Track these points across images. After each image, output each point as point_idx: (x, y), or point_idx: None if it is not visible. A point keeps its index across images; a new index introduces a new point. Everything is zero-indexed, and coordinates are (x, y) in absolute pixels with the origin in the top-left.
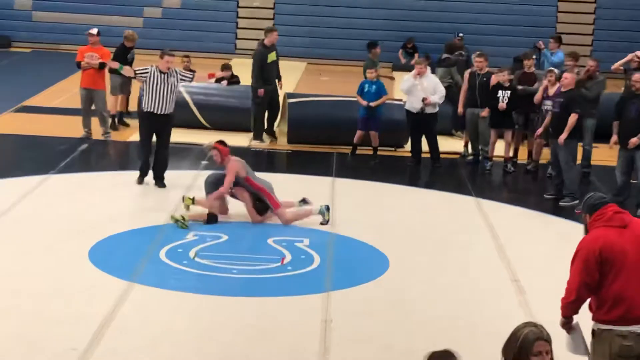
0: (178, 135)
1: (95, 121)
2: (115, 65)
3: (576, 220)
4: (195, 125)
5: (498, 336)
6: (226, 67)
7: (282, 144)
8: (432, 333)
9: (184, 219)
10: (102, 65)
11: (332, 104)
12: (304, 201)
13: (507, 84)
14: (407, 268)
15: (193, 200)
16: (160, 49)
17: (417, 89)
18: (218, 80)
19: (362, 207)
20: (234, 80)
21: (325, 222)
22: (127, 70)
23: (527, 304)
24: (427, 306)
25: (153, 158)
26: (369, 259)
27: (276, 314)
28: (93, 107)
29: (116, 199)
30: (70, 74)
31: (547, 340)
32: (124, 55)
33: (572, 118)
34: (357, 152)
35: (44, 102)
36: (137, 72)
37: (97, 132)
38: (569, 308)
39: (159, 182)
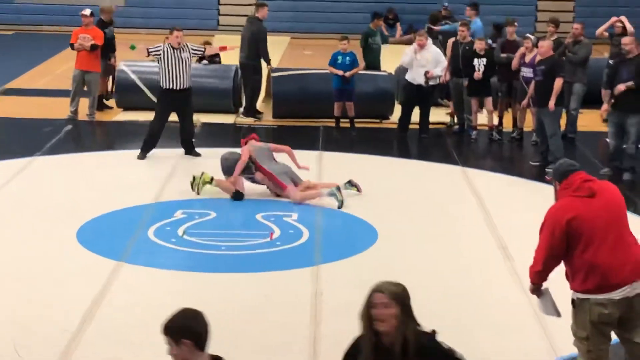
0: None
1: (82, 102)
2: (128, 45)
3: (547, 182)
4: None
5: (486, 303)
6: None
7: (268, 119)
8: (421, 302)
9: (202, 184)
10: (94, 47)
11: (316, 78)
12: (349, 183)
13: (482, 52)
14: (395, 239)
15: (212, 180)
16: (142, 27)
17: (418, 61)
18: (199, 60)
19: (349, 179)
20: (215, 59)
21: (340, 205)
22: (140, 49)
23: (515, 271)
24: (415, 276)
25: (179, 134)
26: (357, 232)
27: (266, 289)
28: (85, 88)
29: (103, 180)
30: (53, 55)
31: (388, 295)
32: (101, 30)
33: (558, 82)
34: (342, 124)
35: (28, 84)
36: (149, 50)
37: (82, 113)
38: (537, 276)
39: (194, 153)
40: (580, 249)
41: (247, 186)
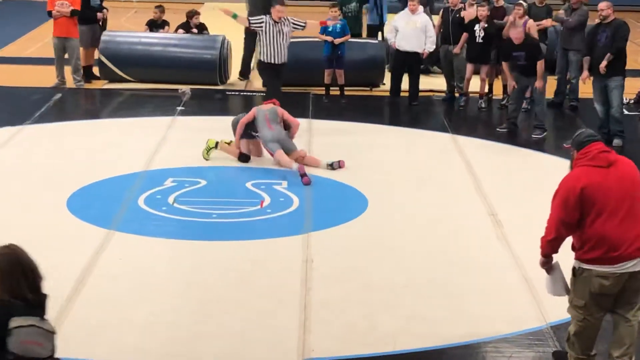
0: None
1: (68, 70)
2: (229, 12)
3: (549, 153)
4: (118, 79)
5: (477, 269)
6: (193, 13)
7: (258, 86)
8: (411, 269)
9: (208, 150)
10: (73, 13)
11: (305, 45)
12: (331, 166)
13: (483, 19)
14: (385, 206)
15: (216, 145)
16: None
17: (409, 27)
18: (186, 30)
19: (339, 147)
20: (201, 29)
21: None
22: (241, 20)
23: (504, 237)
24: (406, 243)
25: None
26: (347, 199)
27: (257, 257)
28: (66, 56)
29: (93, 148)
30: (41, 23)
31: None
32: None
33: (540, 65)
34: (332, 92)
35: (16, 52)
36: (251, 21)
37: (70, 80)
38: (548, 246)
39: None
40: (591, 219)
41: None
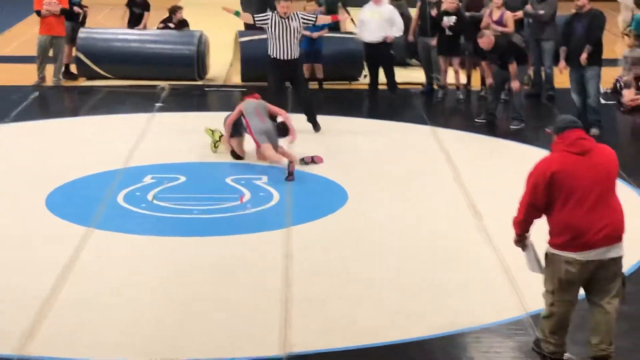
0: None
1: (49, 68)
2: (231, 10)
3: (528, 143)
4: (96, 76)
5: (457, 261)
6: (175, 9)
7: (237, 81)
8: (392, 261)
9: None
10: (63, 12)
11: None
12: (303, 160)
13: (452, 11)
14: (365, 200)
15: (221, 137)
16: None
17: (374, 18)
18: (165, 26)
19: (318, 141)
20: (184, 26)
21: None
22: (244, 17)
23: (484, 229)
24: (386, 236)
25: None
26: (327, 193)
27: (237, 252)
28: (50, 54)
29: (71, 146)
30: (19, 21)
31: None
32: None
33: (512, 68)
34: (311, 86)
35: None
36: (255, 18)
37: (50, 78)
38: (518, 226)
39: (315, 127)
40: (560, 204)
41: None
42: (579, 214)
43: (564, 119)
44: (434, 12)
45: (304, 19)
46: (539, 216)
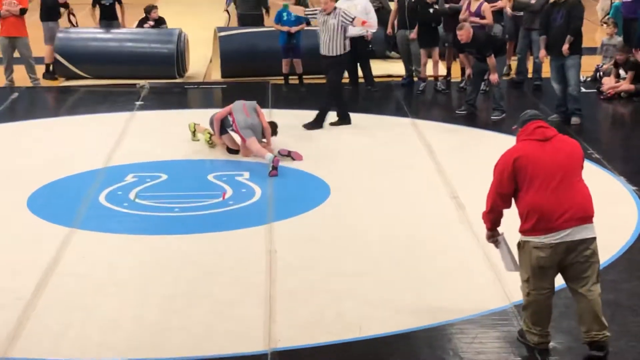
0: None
1: (20, 69)
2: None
3: (509, 134)
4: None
5: (440, 252)
6: (150, 8)
7: (217, 78)
8: (375, 254)
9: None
10: (23, 11)
11: (263, 35)
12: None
13: (429, 1)
14: (347, 193)
15: (211, 136)
16: None
17: (350, 12)
18: (140, 24)
19: (300, 136)
20: (162, 24)
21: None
22: (294, 9)
23: (467, 219)
24: (369, 229)
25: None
26: (309, 188)
27: (220, 249)
28: (16, 55)
29: (52, 146)
30: None
31: None
32: None
33: (491, 61)
34: (291, 81)
35: None
36: (305, 10)
37: (22, 80)
38: (487, 219)
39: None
40: (525, 189)
41: (196, 147)
42: (543, 196)
43: (526, 113)
44: (394, 7)
45: (344, 17)
46: (507, 205)
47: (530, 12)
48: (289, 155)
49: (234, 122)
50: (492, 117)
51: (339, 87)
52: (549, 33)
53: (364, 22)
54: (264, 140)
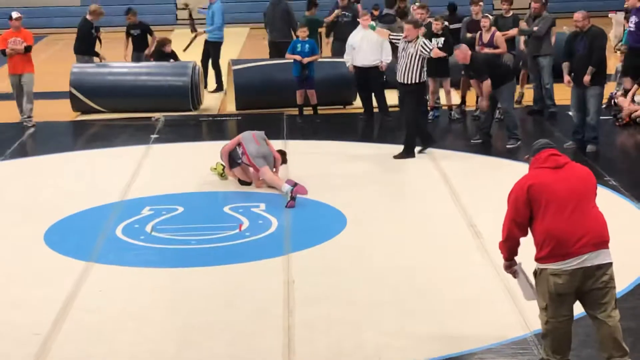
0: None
1: (38, 104)
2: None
3: (525, 162)
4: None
5: (459, 281)
6: (164, 42)
7: (231, 110)
8: (394, 284)
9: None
10: (28, 49)
11: (277, 67)
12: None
13: (439, 32)
14: (364, 223)
15: (224, 168)
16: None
17: (364, 42)
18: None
19: (315, 166)
20: (170, 58)
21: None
22: (380, 32)
23: (484, 248)
24: (387, 259)
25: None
26: (326, 218)
27: (238, 281)
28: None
29: (68, 180)
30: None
31: None
32: (88, 30)
33: (485, 85)
34: (305, 112)
35: None
36: (390, 35)
37: (38, 115)
38: (504, 248)
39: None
40: (540, 217)
41: (211, 179)
42: (558, 223)
43: (538, 142)
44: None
45: (422, 47)
46: (523, 234)
47: (535, 39)
48: (295, 186)
49: (245, 153)
50: (507, 146)
51: (416, 116)
52: (571, 62)
53: (436, 53)
54: (274, 169)
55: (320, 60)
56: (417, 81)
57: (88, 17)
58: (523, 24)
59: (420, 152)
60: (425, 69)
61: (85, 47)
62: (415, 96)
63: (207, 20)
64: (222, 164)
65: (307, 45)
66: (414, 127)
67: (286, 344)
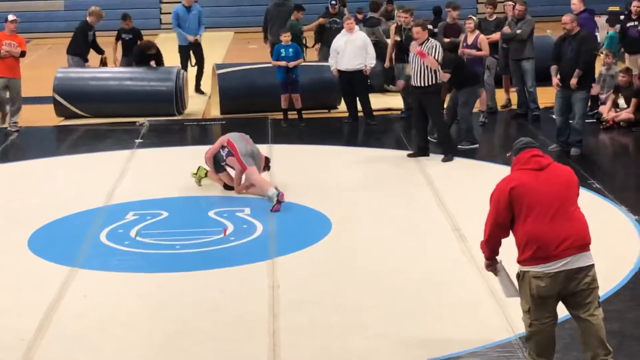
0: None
1: (25, 109)
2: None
3: (509, 164)
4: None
5: (444, 285)
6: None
7: (216, 115)
8: (379, 289)
9: (200, 179)
10: (23, 54)
11: (261, 71)
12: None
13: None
14: (349, 227)
15: (206, 173)
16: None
17: (349, 46)
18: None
19: (300, 171)
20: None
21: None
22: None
23: (469, 251)
24: (372, 263)
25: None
26: (311, 222)
27: (223, 285)
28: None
29: (52, 186)
30: None
31: None
32: (84, 32)
33: (444, 76)
34: (290, 116)
35: None
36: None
37: (23, 120)
38: (485, 248)
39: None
40: (522, 219)
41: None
42: (541, 226)
43: (520, 141)
44: (397, 38)
45: (433, 50)
46: (505, 235)
47: (518, 42)
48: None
49: (235, 151)
50: (459, 146)
51: (442, 115)
52: (559, 65)
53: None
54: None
55: (304, 64)
56: (430, 83)
57: (88, 19)
58: (507, 29)
59: (409, 156)
60: (436, 71)
61: (80, 49)
62: (436, 97)
63: (191, 23)
64: (205, 169)
65: (290, 50)
66: (445, 126)
67: (272, 348)
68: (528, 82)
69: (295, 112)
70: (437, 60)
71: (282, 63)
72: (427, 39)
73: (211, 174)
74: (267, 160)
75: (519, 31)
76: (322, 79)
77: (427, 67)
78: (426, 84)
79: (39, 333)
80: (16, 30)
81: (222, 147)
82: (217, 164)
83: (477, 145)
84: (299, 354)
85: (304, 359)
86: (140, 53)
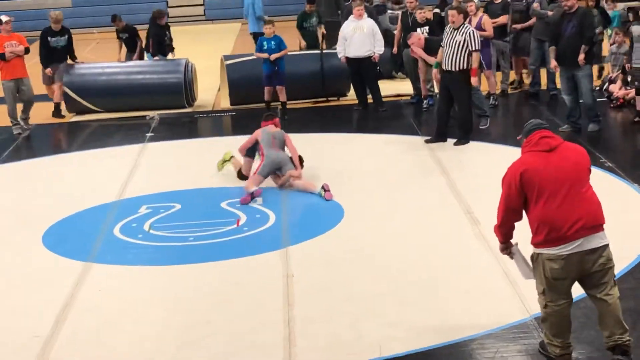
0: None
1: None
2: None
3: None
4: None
5: (458, 269)
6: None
7: (226, 106)
8: (393, 274)
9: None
10: (27, 51)
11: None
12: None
13: (423, 21)
14: (362, 214)
15: (231, 158)
16: (91, 26)
17: (357, 33)
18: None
19: (312, 159)
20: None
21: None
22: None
23: (482, 235)
24: (385, 250)
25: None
26: (323, 210)
27: (237, 276)
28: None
29: (65, 182)
30: None
31: None
32: (44, 38)
33: (430, 59)
34: (309, 105)
35: None
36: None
37: (34, 117)
38: (499, 232)
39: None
40: (534, 202)
41: (208, 175)
42: (553, 208)
43: (530, 123)
44: (398, 27)
45: (469, 34)
46: (518, 218)
47: (544, 23)
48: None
49: (263, 155)
50: (480, 126)
51: (469, 101)
52: (558, 44)
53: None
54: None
55: (311, 52)
56: (463, 68)
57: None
58: (537, 6)
59: (427, 142)
60: (469, 58)
61: (42, 57)
62: (464, 82)
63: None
64: (230, 153)
65: (272, 42)
66: (469, 113)
67: (287, 337)
68: (550, 63)
69: (308, 101)
70: (475, 48)
71: (264, 56)
72: (463, 24)
73: (235, 161)
74: (301, 159)
75: (550, 13)
76: (330, 66)
77: (460, 51)
78: (457, 69)
79: (54, 330)
80: (11, 29)
81: (257, 143)
82: (253, 151)
83: (488, 117)
84: (314, 342)
85: (319, 347)
86: (153, 25)
